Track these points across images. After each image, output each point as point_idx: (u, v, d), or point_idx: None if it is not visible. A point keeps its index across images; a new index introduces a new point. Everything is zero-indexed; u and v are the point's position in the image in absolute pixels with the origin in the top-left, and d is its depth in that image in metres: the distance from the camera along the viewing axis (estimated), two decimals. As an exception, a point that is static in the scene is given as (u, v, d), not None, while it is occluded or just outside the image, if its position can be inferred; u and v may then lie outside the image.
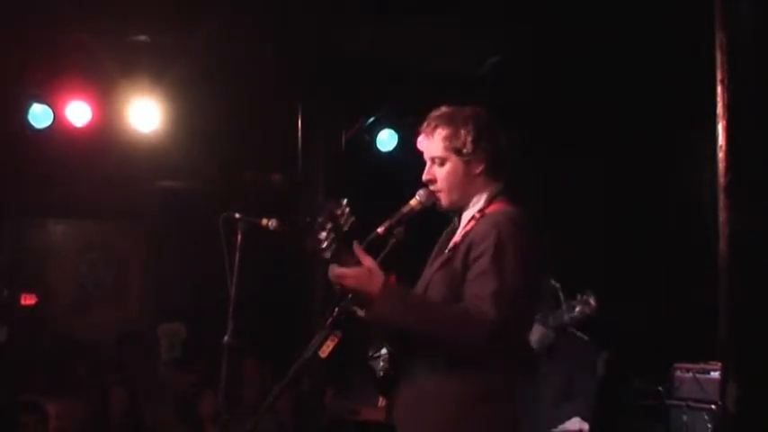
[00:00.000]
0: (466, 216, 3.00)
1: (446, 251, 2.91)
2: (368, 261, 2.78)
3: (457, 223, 3.06)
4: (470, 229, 2.89)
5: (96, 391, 6.73)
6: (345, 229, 2.76)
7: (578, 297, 4.57)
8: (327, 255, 2.79)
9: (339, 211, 2.78)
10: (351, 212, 2.80)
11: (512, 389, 2.86)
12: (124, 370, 7.39)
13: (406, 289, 2.82)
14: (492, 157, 2.97)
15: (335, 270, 2.80)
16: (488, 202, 2.96)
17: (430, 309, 2.78)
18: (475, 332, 2.69)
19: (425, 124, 3.03)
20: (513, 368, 2.86)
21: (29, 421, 5.92)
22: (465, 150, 2.94)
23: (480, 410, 2.78)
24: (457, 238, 2.93)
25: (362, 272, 2.77)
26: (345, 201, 2.82)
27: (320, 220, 2.78)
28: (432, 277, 2.91)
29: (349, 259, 2.78)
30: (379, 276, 2.77)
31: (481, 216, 2.91)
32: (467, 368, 2.77)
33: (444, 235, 3.12)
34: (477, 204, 2.98)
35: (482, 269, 2.76)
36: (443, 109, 3.04)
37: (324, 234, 2.79)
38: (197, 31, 6.38)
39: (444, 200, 3.00)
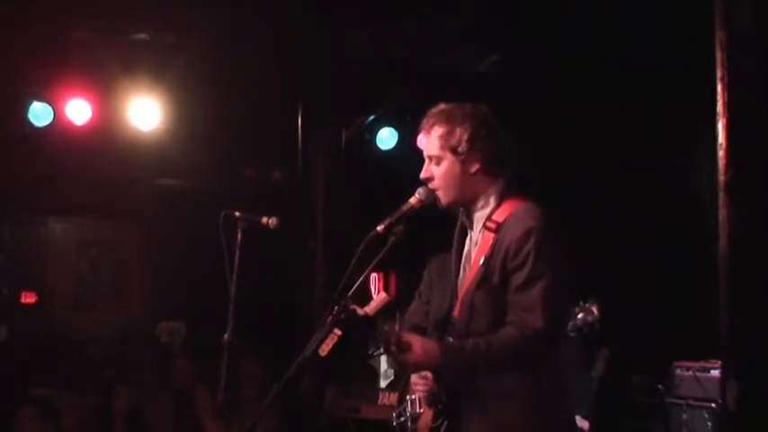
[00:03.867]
0: (478, 218, 2.99)
1: (480, 265, 2.89)
2: (414, 340, 2.80)
3: (466, 221, 3.06)
4: (498, 237, 2.88)
5: (97, 389, 6.73)
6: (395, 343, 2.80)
7: (581, 304, 4.54)
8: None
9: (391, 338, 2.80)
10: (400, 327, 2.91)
11: (559, 374, 3.00)
12: (125, 368, 7.39)
13: (460, 345, 2.83)
14: (488, 156, 2.96)
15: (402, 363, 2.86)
16: (498, 202, 2.95)
17: (489, 351, 2.79)
18: (531, 349, 2.79)
19: (424, 121, 3.04)
20: (558, 355, 2.98)
21: (29, 418, 5.92)
22: (460, 149, 2.95)
23: (549, 400, 2.92)
24: (485, 249, 2.91)
25: (418, 353, 2.78)
26: (397, 327, 2.89)
27: (378, 344, 2.85)
28: (473, 299, 2.90)
29: (400, 351, 2.81)
30: (431, 347, 2.80)
31: (502, 221, 2.90)
32: (526, 371, 2.88)
33: (457, 237, 3.11)
34: (486, 206, 2.97)
35: (525, 279, 2.80)
36: (441, 106, 3.04)
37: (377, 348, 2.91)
38: (197, 29, 6.39)
39: (443, 198, 3.00)
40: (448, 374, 2.86)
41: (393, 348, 2.75)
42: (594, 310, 4.48)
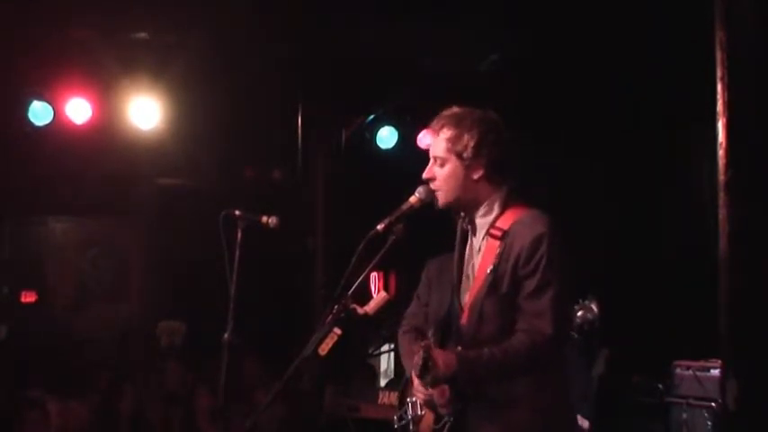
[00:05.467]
0: (481, 224, 3.00)
1: (488, 273, 2.91)
2: (437, 355, 2.83)
3: (467, 227, 3.05)
4: (505, 244, 2.90)
5: (97, 389, 6.73)
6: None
7: (581, 302, 4.55)
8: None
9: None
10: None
11: (562, 375, 3.05)
12: (125, 368, 7.40)
13: (476, 355, 2.86)
14: (493, 164, 2.97)
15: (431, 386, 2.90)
16: (502, 209, 2.97)
17: (503, 359, 2.84)
18: (542, 354, 2.85)
19: (434, 121, 3.04)
20: (562, 357, 3.04)
21: (30, 418, 5.92)
22: (465, 155, 2.96)
23: (554, 402, 2.96)
24: (492, 257, 2.93)
25: (441, 366, 2.80)
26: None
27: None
28: (482, 306, 2.93)
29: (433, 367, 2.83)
30: (451, 359, 2.83)
31: (508, 228, 2.92)
32: (535, 375, 2.91)
33: (458, 242, 3.11)
34: (490, 213, 2.99)
35: (536, 286, 2.85)
36: (454, 109, 3.05)
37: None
38: (197, 29, 6.39)
39: (441, 199, 3.00)
40: (465, 383, 2.87)
41: (430, 364, 2.77)
42: (594, 307, 4.50)
